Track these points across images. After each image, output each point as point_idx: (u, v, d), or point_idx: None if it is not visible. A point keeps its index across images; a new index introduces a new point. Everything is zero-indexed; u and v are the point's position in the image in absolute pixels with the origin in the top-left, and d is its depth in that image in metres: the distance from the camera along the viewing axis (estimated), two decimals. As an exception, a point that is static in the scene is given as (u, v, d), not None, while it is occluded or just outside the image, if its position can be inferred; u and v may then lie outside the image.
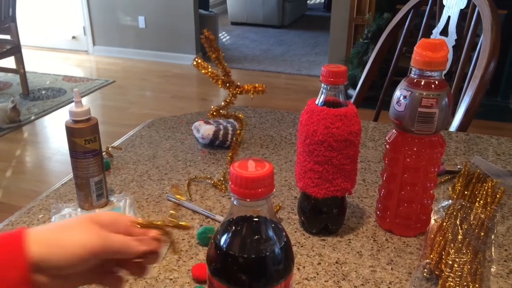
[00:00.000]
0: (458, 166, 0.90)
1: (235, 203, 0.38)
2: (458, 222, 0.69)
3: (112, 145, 0.98)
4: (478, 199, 0.77)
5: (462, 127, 1.15)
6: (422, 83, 0.64)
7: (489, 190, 0.78)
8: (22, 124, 3.30)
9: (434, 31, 1.35)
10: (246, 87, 0.38)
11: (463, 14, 1.27)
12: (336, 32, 3.93)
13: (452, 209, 0.73)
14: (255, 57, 4.96)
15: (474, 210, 0.73)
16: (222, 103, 0.34)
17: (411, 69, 0.66)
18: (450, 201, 0.75)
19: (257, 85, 0.37)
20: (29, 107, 3.57)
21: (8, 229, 0.72)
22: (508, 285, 0.61)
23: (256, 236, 0.39)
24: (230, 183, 0.37)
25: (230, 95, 0.37)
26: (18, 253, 0.37)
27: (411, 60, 0.65)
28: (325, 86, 0.64)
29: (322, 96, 0.65)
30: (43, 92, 3.88)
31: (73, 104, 0.72)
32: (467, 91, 1.17)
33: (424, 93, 0.64)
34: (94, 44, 4.96)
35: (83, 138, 0.72)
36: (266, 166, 0.37)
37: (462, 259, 0.62)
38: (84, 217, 0.43)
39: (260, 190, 0.37)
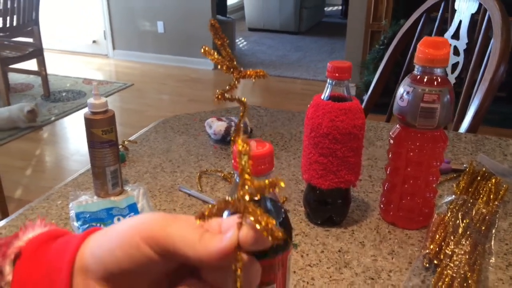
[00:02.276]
0: (464, 165, 0.91)
1: (237, 180, 0.41)
2: (460, 216, 0.71)
3: (128, 139, 1.02)
4: (481, 196, 0.78)
5: (471, 129, 1.16)
6: (425, 79, 0.67)
7: (493, 187, 0.80)
8: (43, 125, 3.39)
9: (445, 35, 1.37)
10: (248, 72, 0.41)
11: (474, 18, 1.29)
12: (353, 38, 3.95)
13: (455, 204, 0.75)
14: (271, 62, 5.01)
15: (476, 205, 0.75)
16: (227, 87, 0.37)
17: (414, 66, 0.68)
18: (454, 196, 0.77)
19: (258, 70, 0.40)
20: (50, 108, 3.67)
21: (28, 213, 0.76)
22: (506, 277, 0.63)
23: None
24: (233, 162, 0.40)
25: (234, 80, 0.40)
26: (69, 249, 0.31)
27: (415, 57, 0.67)
28: (330, 81, 0.67)
29: (328, 91, 0.68)
30: (64, 94, 3.98)
31: (92, 97, 0.76)
32: (476, 94, 1.18)
33: (427, 89, 0.66)
34: (114, 48, 5.06)
35: (100, 128, 0.76)
36: (267, 146, 0.40)
37: (461, 250, 0.64)
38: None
39: (261, 167, 0.40)
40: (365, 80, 3.70)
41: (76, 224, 0.72)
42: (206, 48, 0.39)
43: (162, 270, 0.31)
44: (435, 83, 0.66)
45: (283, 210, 0.43)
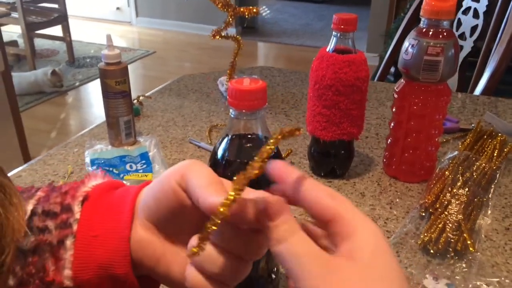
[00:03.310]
0: (472, 125, 0.92)
1: (232, 116, 0.44)
2: (460, 170, 0.72)
3: (144, 94, 1.05)
4: (485, 153, 0.79)
5: (486, 92, 1.15)
6: (430, 32, 0.67)
7: (497, 144, 0.80)
8: (67, 90, 3.47)
9: (466, -2, 1.34)
10: (242, 9, 0.43)
11: (496, -21, 1.26)
12: (377, 6, 3.86)
13: (457, 159, 0.76)
14: (294, 31, 4.95)
15: (479, 162, 0.75)
16: (223, 25, 0.39)
17: (420, 19, 0.68)
18: (457, 152, 0.78)
19: (251, 7, 0.42)
20: (74, 74, 3.74)
21: (47, 159, 0.81)
22: (502, 228, 0.64)
23: (249, 145, 0.44)
24: (228, 98, 0.43)
25: (229, 17, 0.42)
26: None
27: (421, 10, 0.67)
28: (335, 33, 0.68)
29: (333, 43, 0.69)
30: (88, 60, 4.05)
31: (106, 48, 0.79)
32: (493, 56, 1.17)
33: (431, 42, 0.66)
34: (137, 15, 5.08)
35: (114, 79, 0.79)
36: (260, 83, 0.42)
37: (458, 200, 0.65)
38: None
39: (254, 102, 0.42)
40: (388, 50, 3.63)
41: (90, 169, 0.76)
42: (204, -13, 0.41)
43: (196, 219, 0.33)
44: (440, 36, 0.66)
45: (276, 146, 0.46)
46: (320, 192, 0.30)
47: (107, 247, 0.34)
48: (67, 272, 0.34)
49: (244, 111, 0.42)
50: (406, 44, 0.69)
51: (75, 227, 0.35)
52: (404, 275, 0.29)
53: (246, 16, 0.42)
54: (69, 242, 0.34)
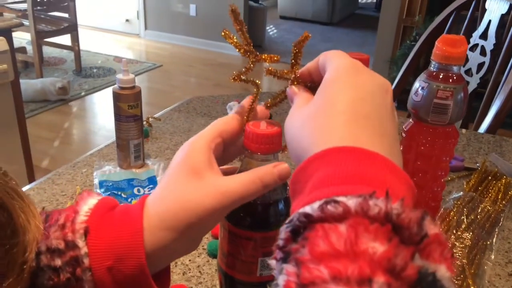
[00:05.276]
0: (477, 164, 0.93)
1: (247, 156, 0.45)
2: (465, 212, 0.73)
3: (153, 116, 1.06)
4: (489, 195, 0.80)
5: (491, 130, 1.17)
6: (440, 76, 0.68)
7: (502, 187, 0.81)
8: (73, 99, 3.49)
9: (474, 34, 1.37)
10: (263, 56, 0.44)
11: (504, 19, 1.28)
12: (384, 33, 3.91)
13: (462, 200, 0.76)
14: (300, 52, 4.99)
15: (483, 204, 0.76)
16: (243, 69, 0.40)
17: (431, 62, 0.70)
18: (462, 193, 0.79)
19: (272, 55, 0.44)
20: (81, 83, 3.77)
21: (55, 178, 0.82)
22: (504, 273, 0.65)
23: (263, 186, 0.45)
24: (244, 139, 0.44)
25: (250, 63, 0.43)
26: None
27: (432, 54, 0.69)
28: (347, 72, 0.69)
29: (345, 81, 0.70)
30: (95, 70, 4.08)
31: (121, 72, 0.80)
32: (499, 95, 1.18)
33: (441, 86, 0.68)
34: (146, 28, 5.14)
35: (127, 103, 0.80)
36: (275, 127, 0.43)
37: (462, 244, 0.66)
38: (181, 173, 0.42)
39: (270, 146, 0.43)
40: (393, 76, 3.67)
41: (98, 191, 0.76)
42: (226, 32, 0.42)
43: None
44: (450, 80, 0.68)
45: (288, 188, 0.47)
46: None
47: (126, 266, 0.35)
48: None
49: (259, 153, 0.43)
50: (416, 85, 0.71)
51: (86, 261, 0.35)
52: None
53: (268, 64, 0.43)
54: (87, 276, 0.35)
